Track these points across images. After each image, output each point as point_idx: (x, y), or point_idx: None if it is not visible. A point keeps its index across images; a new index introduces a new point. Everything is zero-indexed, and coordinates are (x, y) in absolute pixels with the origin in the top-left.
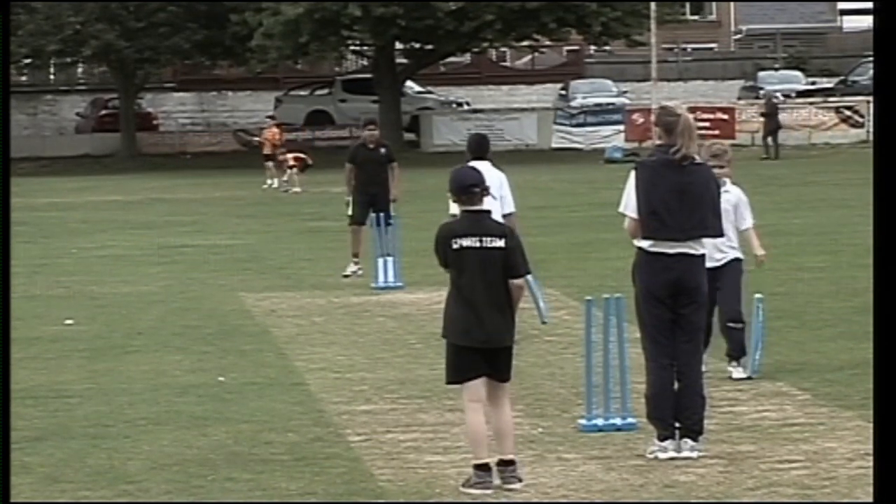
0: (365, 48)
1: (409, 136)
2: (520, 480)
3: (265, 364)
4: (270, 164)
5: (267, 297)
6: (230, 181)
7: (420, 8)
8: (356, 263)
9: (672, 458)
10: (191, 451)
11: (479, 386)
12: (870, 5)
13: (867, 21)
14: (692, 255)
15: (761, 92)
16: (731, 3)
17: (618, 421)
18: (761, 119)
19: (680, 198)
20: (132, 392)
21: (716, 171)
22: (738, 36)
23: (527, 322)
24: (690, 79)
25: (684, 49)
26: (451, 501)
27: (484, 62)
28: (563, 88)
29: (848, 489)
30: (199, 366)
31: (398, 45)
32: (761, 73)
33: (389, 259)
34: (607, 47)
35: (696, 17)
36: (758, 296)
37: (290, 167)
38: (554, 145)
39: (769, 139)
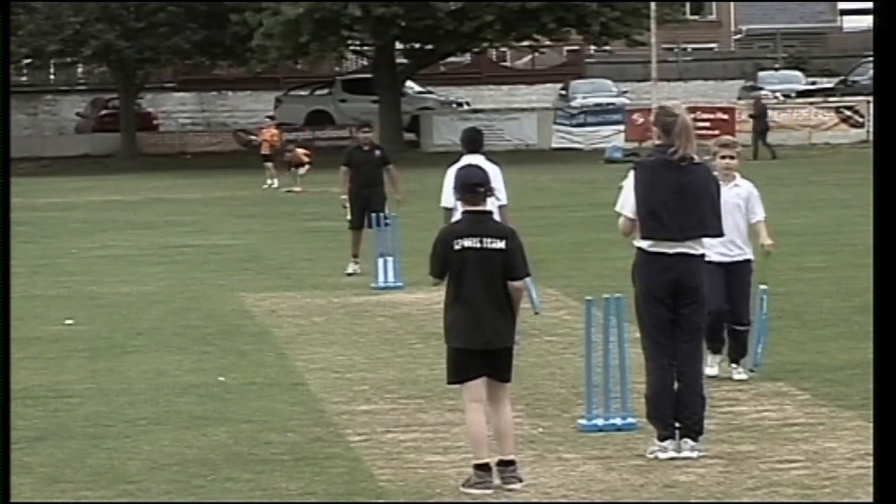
0: (365, 48)
1: (409, 136)
2: (520, 480)
3: (265, 364)
4: (270, 164)
5: (267, 297)
6: (230, 181)
7: (420, 8)
8: (356, 264)
9: (672, 458)
10: (191, 451)
11: (479, 386)
12: (870, 5)
13: (867, 21)
14: (691, 255)
15: (751, 93)
16: (731, 3)
17: (618, 421)
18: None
19: (678, 198)
20: (132, 392)
21: (727, 161)
22: (738, 36)
23: (527, 322)
24: (690, 79)
25: (684, 49)
26: (451, 501)
27: (484, 62)
28: (563, 88)
29: (848, 489)
30: (199, 366)
31: (398, 45)
32: (761, 73)
33: (389, 259)
34: (607, 47)
35: (696, 17)
36: (762, 287)
37: (305, 164)
38: (554, 145)
39: (759, 141)
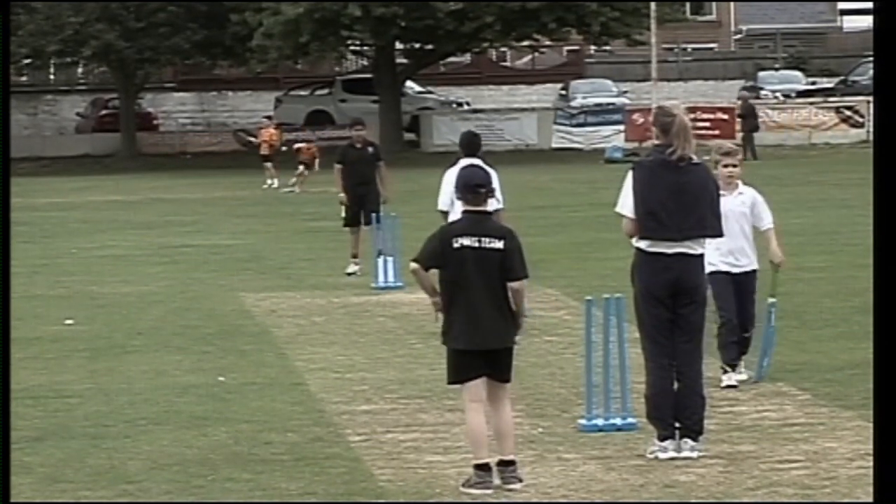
0: (365, 48)
1: (410, 136)
2: (520, 480)
3: (265, 364)
4: (269, 164)
5: (267, 297)
6: (230, 181)
7: (420, 8)
8: (356, 264)
9: (672, 458)
10: (191, 451)
11: (479, 386)
12: (870, 5)
13: (867, 21)
14: (691, 255)
15: (739, 93)
16: (731, 3)
17: (618, 421)
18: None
19: (677, 198)
20: (132, 392)
21: (730, 169)
22: (738, 36)
23: (527, 322)
24: (690, 79)
25: (684, 49)
26: (451, 501)
27: (484, 62)
28: (563, 88)
29: (848, 489)
30: (199, 366)
31: (398, 45)
32: (761, 73)
33: (389, 259)
34: (607, 47)
35: (696, 17)
36: (771, 300)
37: (311, 161)
38: (554, 145)
39: (745, 140)
